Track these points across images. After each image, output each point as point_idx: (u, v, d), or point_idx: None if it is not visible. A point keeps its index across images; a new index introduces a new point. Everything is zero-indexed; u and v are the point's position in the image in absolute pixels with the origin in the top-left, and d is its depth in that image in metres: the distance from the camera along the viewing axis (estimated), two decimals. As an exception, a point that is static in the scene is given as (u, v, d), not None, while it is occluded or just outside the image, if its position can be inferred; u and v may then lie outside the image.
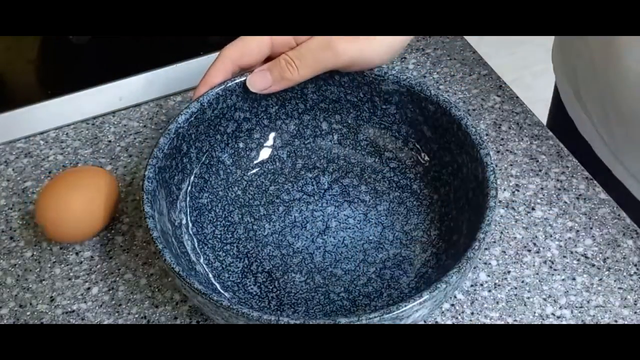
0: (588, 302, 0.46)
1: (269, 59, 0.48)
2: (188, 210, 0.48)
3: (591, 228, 0.50)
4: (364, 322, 0.37)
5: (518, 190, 0.52)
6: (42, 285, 0.47)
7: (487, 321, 0.45)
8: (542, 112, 0.61)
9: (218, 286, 0.45)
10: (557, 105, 0.65)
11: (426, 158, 0.50)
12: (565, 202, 0.51)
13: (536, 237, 0.49)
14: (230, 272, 0.47)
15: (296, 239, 0.48)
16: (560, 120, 0.64)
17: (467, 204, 0.46)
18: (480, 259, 0.48)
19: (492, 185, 0.43)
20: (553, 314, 0.45)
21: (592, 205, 0.51)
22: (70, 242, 0.49)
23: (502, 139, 0.55)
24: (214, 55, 0.58)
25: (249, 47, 0.47)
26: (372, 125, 0.52)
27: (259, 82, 0.48)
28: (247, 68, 0.48)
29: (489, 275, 0.47)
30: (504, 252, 0.49)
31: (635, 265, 0.48)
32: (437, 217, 0.49)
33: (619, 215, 0.50)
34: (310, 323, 0.38)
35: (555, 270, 0.48)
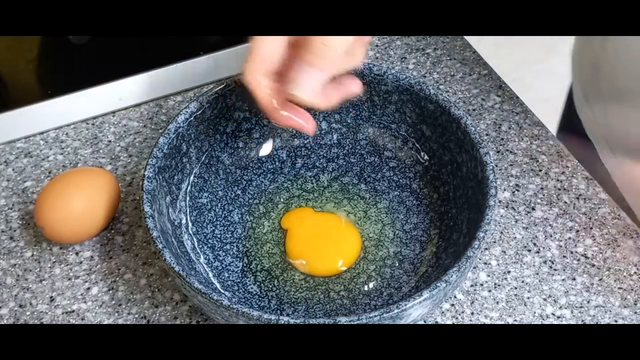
0: (588, 302, 0.46)
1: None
2: (188, 210, 0.48)
3: (591, 228, 0.50)
4: (364, 321, 0.37)
5: (518, 190, 0.52)
6: (42, 285, 0.47)
7: (487, 321, 0.45)
8: (542, 112, 0.61)
9: (218, 286, 0.45)
10: (569, 106, 0.65)
11: (425, 157, 0.50)
12: (565, 202, 0.51)
13: (536, 237, 0.49)
14: (230, 272, 0.47)
15: (296, 239, 0.48)
16: (570, 121, 0.64)
17: (467, 203, 0.46)
18: (480, 259, 0.48)
19: (492, 184, 0.43)
20: (553, 314, 0.45)
21: (592, 205, 0.51)
22: (70, 242, 0.49)
23: (502, 139, 0.55)
24: (214, 55, 0.59)
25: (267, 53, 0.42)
26: (372, 125, 0.52)
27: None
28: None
29: (489, 275, 0.47)
30: (504, 252, 0.49)
31: (635, 265, 0.48)
32: (436, 216, 0.49)
33: (619, 215, 0.50)
34: (310, 322, 0.38)
35: (555, 270, 0.48)
